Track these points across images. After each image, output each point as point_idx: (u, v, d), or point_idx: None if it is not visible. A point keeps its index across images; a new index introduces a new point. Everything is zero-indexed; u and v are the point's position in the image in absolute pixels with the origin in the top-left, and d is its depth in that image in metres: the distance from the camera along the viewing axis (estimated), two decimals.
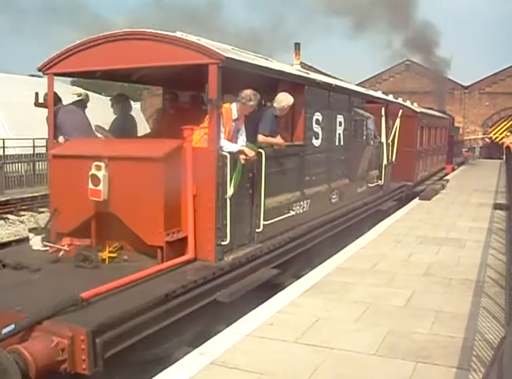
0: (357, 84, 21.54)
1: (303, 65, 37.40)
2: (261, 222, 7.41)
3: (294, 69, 9.81)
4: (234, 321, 5.99)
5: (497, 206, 14.81)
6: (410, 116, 18.13)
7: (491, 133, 46.41)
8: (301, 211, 8.80)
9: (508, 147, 34.49)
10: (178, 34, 6.77)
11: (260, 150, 7.22)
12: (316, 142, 9.27)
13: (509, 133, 43.90)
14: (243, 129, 7.37)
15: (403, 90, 37.67)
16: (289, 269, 8.51)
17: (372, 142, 12.45)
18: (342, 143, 10.58)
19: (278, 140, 8.08)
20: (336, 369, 4.83)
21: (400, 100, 19.36)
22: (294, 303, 6.61)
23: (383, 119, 13.82)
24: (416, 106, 20.44)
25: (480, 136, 45.37)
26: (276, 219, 7.83)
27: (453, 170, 28.61)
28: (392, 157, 14.75)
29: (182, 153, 6.54)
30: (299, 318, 6.06)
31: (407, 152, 17.55)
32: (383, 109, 13.83)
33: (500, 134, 46.05)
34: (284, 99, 8.08)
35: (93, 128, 8.34)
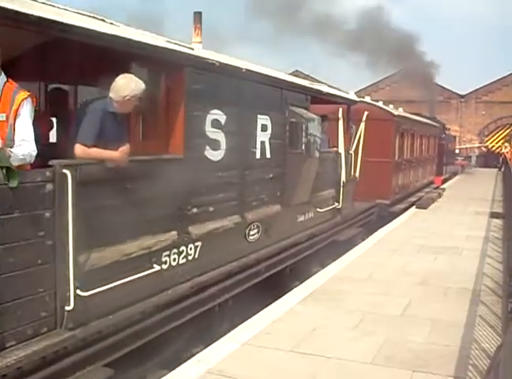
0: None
1: (299, 74, 37.41)
2: (72, 293, 4.32)
3: (170, 43, 5.82)
4: None
5: (493, 215, 14.84)
6: (385, 120, 15.39)
7: (487, 142, 46.58)
8: (181, 261, 5.75)
9: (505, 156, 34.61)
10: None
11: (65, 170, 4.26)
12: (213, 154, 6.27)
13: (506, 143, 44.03)
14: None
15: (400, 99, 37.76)
16: (131, 368, 5.19)
17: (317, 153, 8.92)
18: (268, 155, 7.62)
19: (111, 153, 4.79)
20: (333, 378, 4.82)
21: (367, 99, 16.88)
22: (291, 311, 6.60)
23: (341, 123, 10.80)
24: (392, 109, 17.57)
25: (477, 145, 45.51)
26: (112, 285, 4.70)
27: (444, 183, 26.06)
28: (355, 172, 11.82)
29: None
30: (295, 327, 6.05)
31: (381, 164, 14.93)
32: (341, 110, 10.80)
33: (496, 143, 46.20)
34: (125, 87, 4.99)
35: None
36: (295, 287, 7.82)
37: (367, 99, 17.62)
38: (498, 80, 46.48)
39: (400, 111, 18.69)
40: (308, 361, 5.15)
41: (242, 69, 6.84)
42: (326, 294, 7.33)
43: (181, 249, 5.77)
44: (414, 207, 16.64)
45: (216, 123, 6.31)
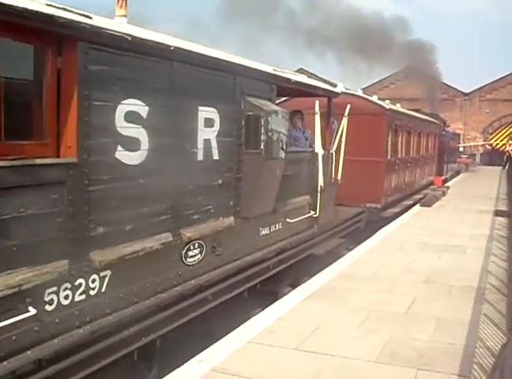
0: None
1: (302, 71, 37.33)
2: None
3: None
4: None
5: (498, 213, 14.81)
6: (375, 115, 13.95)
7: (491, 139, 46.47)
8: (78, 299, 4.45)
9: (509, 154, 34.52)
10: None
11: None
12: (130, 156, 4.91)
13: (510, 141, 43.93)
14: None
15: (404, 96, 37.68)
16: None
17: (282, 153, 7.26)
18: (216, 156, 6.29)
19: None
20: (337, 377, 4.82)
21: (341, 87, 14.24)
22: (295, 310, 6.60)
23: (318, 119, 9.08)
24: (384, 102, 15.68)
25: (481, 143, 45.41)
26: None
27: (445, 182, 24.64)
28: (336, 174, 10.31)
29: None
30: (299, 325, 6.05)
31: (372, 164, 13.53)
32: (317, 103, 8.99)
33: (501, 141, 46.09)
34: None
35: None
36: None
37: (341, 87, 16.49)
38: (502, 77, 46.34)
39: (393, 105, 17.13)
40: (312, 359, 5.15)
41: (170, 47, 5.34)
42: (330, 292, 7.32)
43: (77, 283, 4.42)
44: (418, 205, 16.61)
45: (132, 117, 4.91)
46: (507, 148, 39.03)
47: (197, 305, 6.06)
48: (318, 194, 9.30)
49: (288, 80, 8.20)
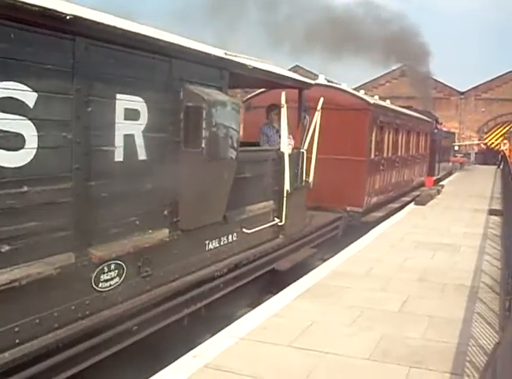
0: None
1: (298, 69, 37.24)
2: None
3: None
4: None
5: (492, 212, 14.85)
6: (357, 110, 12.85)
7: (486, 138, 46.60)
8: None
9: (504, 153, 34.62)
10: None
11: None
12: (5, 157, 3.91)
13: (505, 140, 44.07)
14: None
15: (400, 95, 37.74)
16: None
17: (232, 152, 6.21)
18: (143, 156, 5.21)
19: None
20: (330, 374, 4.82)
21: (322, 79, 13.28)
22: (288, 307, 6.60)
23: (284, 113, 8.12)
24: (368, 96, 14.59)
25: (476, 142, 45.52)
26: None
27: (436, 183, 23.53)
28: (308, 175, 9.25)
29: None
30: (293, 322, 6.05)
31: (353, 163, 12.45)
32: (283, 95, 7.99)
33: (496, 140, 46.22)
34: None
35: None
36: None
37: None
38: (498, 77, 46.44)
39: (378, 100, 15.88)
40: (305, 356, 5.15)
41: (65, 15, 4.16)
42: (324, 290, 7.32)
43: None
44: (413, 203, 16.64)
45: (10, 105, 3.87)
46: (502, 148, 39.15)
47: (110, 341, 4.83)
48: (284, 199, 8.26)
49: (243, 66, 6.99)
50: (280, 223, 8.30)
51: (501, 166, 32.10)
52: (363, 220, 12.88)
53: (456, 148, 38.42)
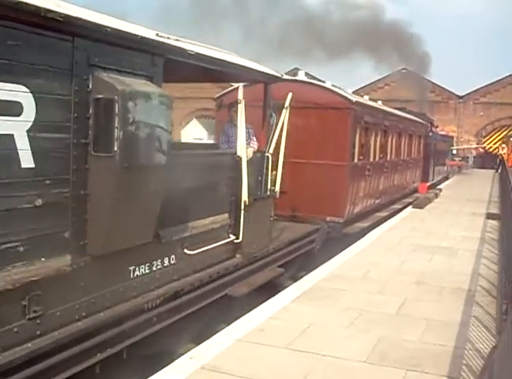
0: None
1: (297, 72, 37.11)
2: None
3: None
4: None
5: (490, 216, 14.86)
6: (337, 109, 11.48)
7: (484, 142, 46.68)
8: None
9: (502, 157, 34.69)
10: None
11: None
12: None
13: (503, 144, 44.17)
14: None
15: (399, 98, 37.76)
16: None
17: (161, 158, 5.05)
18: (29, 163, 4.10)
19: None
20: (327, 376, 4.82)
21: (301, 75, 12.45)
22: (286, 309, 6.60)
23: (241, 110, 6.94)
24: (350, 94, 12.97)
25: (474, 146, 45.59)
26: None
27: (432, 188, 22.39)
28: (274, 183, 8.09)
29: None
30: (290, 324, 6.04)
31: (332, 169, 11.23)
32: (241, 89, 6.95)
33: (494, 144, 46.30)
34: None
35: None
36: None
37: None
38: (497, 81, 46.53)
39: (362, 99, 14.94)
40: (302, 358, 5.14)
41: None
42: (321, 292, 7.32)
43: None
44: (410, 207, 16.64)
45: None
46: (500, 152, 39.22)
47: None
48: (242, 212, 7.02)
49: (183, 52, 5.65)
50: (236, 240, 7.04)
51: (499, 170, 32.16)
52: (345, 232, 11.66)
53: (454, 151, 38.49)
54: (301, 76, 11.88)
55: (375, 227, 12.73)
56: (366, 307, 6.72)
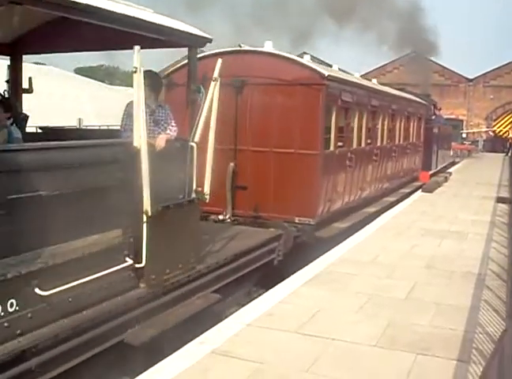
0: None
1: (304, 55, 36.81)
2: None
3: None
4: None
5: (500, 199, 14.79)
6: (306, 85, 9.41)
7: (494, 126, 46.31)
8: None
9: None
10: None
11: None
12: None
13: None
14: None
15: (409, 82, 37.45)
16: None
17: None
18: None
19: None
20: (337, 360, 4.83)
21: (268, 46, 9.86)
22: (295, 293, 6.61)
23: (137, 82, 5.04)
24: (321, 67, 10.33)
25: (484, 130, 45.26)
26: None
27: (433, 176, 20.12)
28: (201, 183, 6.22)
29: None
30: (300, 308, 6.06)
31: (300, 159, 9.27)
32: (137, 52, 4.92)
33: (504, 128, 45.93)
34: None
35: None
36: None
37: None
38: (507, 64, 46.04)
39: (339, 72, 12.36)
40: (312, 342, 5.16)
41: None
42: (331, 277, 7.33)
43: None
44: (420, 191, 16.58)
45: None
46: (510, 135, 38.93)
47: None
48: (144, 226, 5.22)
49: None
50: (138, 265, 5.21)
51: (509, 154, 31.96)
52: (319, 235, 9.54)
53: (464, 135, 38.22)
54: (268, 46, 9.64)
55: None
56: (375, 291, 6.73)
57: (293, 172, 9.20)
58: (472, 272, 7.68)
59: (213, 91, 6.12)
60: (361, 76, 18.17)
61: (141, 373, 4.47)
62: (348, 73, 14.00)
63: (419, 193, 16.33)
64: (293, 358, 4.84)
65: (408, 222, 11.50)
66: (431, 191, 16.36)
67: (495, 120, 46.65)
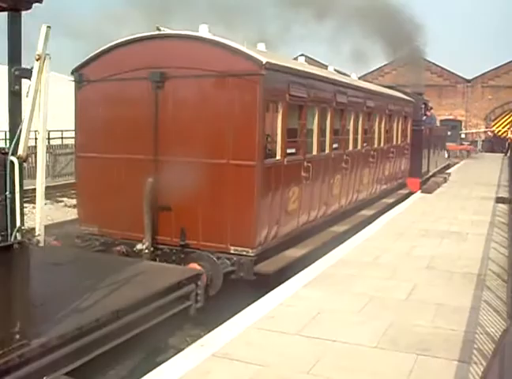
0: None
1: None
2: None
3: None
4: None
5: (499, 200, 14.74)
6: (238, 76, 7.49)
7: (493, 126, 46.31)
8: None
9: (511, 141, 34.45)
10: None
11: None
12: None
13: None
14: None
15: (406, 83, 37.46)
16: None
17: None
18: None
19: None
20: (338, 362, 4.83)
21: (204, 30, 7.80)
22: (296, 295, 6.60)
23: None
24: (259, 55, 7.73)
25: (483, 130, 45.27)
26: None
27: (424, 184, 17.60)
28: (20, 216, 4.22)
29: None
30: (300, 310, 6.06)
31: (233, 171, 7.50)
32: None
33: (503, 128, 45.93)
34: None
35: None
36: None
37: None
38: (505, 64, 46.02)
39: (288, 60, 10.07)
40: (313, 344, 5.16)
41: None
42: (331, 278, 7.32)
43: None
44: (419, 191, 16.58)
45: None
46: (509, 135, 38.92)
47: None
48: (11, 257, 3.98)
49: None
50: None
51: (508, 154, 31.96)
52: (259, 270, 7.58)
53: (462, 135, 38.19)
54: (202, 31, 7.73)
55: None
56: (376, 293, 6.72)
57: (226, 189, 7.50)
58: (473, 273, 7.68)
59: (39, 76, 4.17)
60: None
61: None
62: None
63: (418, 193, 16.32)
64: (294, 360, 4.84)
65: (408, 222, 11.50)
66: (430, 192, 16.37)
67: (493, 120, 46.65)
